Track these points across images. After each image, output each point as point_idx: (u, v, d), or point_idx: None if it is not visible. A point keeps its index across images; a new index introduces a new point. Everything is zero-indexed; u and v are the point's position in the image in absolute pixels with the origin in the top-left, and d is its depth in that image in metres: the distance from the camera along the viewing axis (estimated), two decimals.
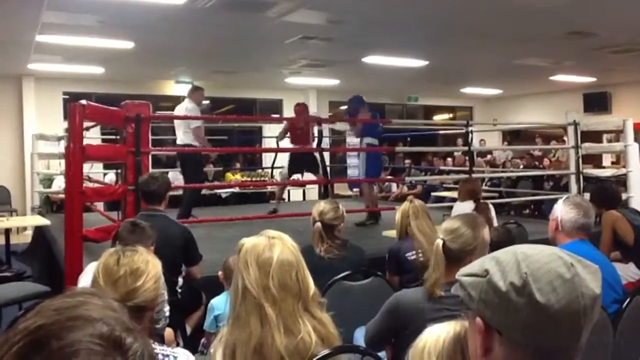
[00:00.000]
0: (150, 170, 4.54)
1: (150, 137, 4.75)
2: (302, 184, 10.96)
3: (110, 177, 8.68)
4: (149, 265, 1.77)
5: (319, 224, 3.21)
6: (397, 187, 11.23)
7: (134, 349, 0.65)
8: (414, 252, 3.26)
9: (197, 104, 6.58)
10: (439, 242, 2.18)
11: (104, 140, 8.37)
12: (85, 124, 4.75)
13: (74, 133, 4.09)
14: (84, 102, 4.17)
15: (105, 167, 8.89)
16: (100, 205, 6.97)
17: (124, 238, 2.75)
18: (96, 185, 6.29)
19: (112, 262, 1.76)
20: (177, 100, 12.79)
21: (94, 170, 7.89)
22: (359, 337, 2.62)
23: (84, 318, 0.64)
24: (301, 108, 7.65)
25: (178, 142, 6.55)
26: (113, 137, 7.40)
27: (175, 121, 6.72)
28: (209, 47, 8.62)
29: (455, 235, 2.19)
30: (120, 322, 0.67)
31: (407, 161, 12.67)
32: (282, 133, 7.70)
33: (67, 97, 10.65)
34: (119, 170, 6.39)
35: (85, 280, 2.73)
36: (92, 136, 6.98)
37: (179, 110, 6.67)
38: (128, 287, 1.70)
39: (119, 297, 1.63)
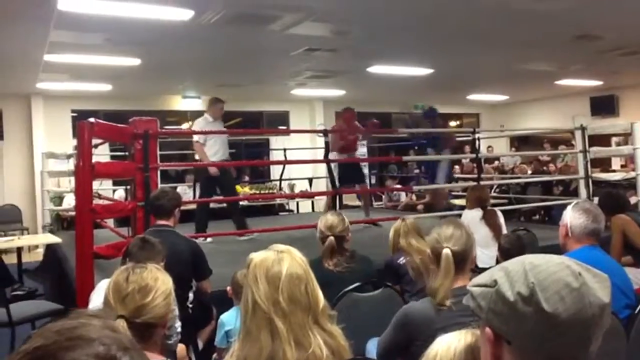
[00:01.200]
0: (160, 185, 4.56)
1: (159, 152, 4.77)
2: (311, 196, 10.99)
3: (120, 193, 8.73)
4: (158, 281, 1.78)
5: (332, 239, 3.21)
6: (406, 196, 11.22)
7: None
8: (404, 258, 3.42)
9: (214, 117, 6.51)
10: (448, 251, 2.18)
11: (112, 157, 8.44)
12: (94, 141, 4.79)
13: (83, 151, 4.13)
14: (92, 119, 4.21)
15: (115, 183, 8.95)
16: (110, 222, 7.01)
17: (134, 255, 2.76)
18: (106, 202, 6.33)
19: (121, 279, 1.77)
20: (185, 115, 12.95)
21: (103, 187, 7.95)
22: (371, 348, 2.62)
23: (81, 338, 0.67)
24: (351, 114, 7.32)
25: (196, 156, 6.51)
26: (122, 153, 7.45)
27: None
28: (214, 62, 8.68)
29: (455, 239, 2.22)
30: (117, 341, 0.69)
31: (416, 170, 12.66)
32: (333, 144, 7.30)
33: (75, 114, 10.75)
34: (128, 187, 6.43)
35: (96, 298, 2.75)
36: (101, 153, 7.04)
37: (196, 123, 6.64)
38: (136, 303, 1.71)
39: (128, 314, 1.64)
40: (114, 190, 9.04)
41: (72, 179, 5.35)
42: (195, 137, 6.32)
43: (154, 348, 1.71)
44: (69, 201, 8.79)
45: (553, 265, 0.92)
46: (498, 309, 0.93)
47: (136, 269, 1.81)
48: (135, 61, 8.05)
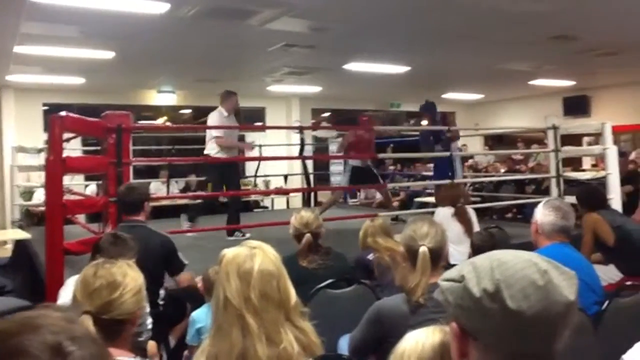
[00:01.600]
0: (132, 180, 4.51)
1: (132, 147, 4.72)
2: (286, 192, 10.97)
3: (92, 188, 8.62)
4: (127, 277, 1.75)
5: (309, 236, 3.21)
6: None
7: (76, 357, 0.68)
8: (373, 254, 3.48)
9: (228, 111, 6.36)
10: (425, 249, 2.19)
11: (85, 152, 8.31)
12: (66, 136, 4.71)
13: (54, 145, 4.06)
14: (63, 113, 4.14)
15: (87, 178, 8.82)
16: (81, 218, 6.91)
17: (105, 250, 2.72)
18: (77, 197, 6.23)
19: (89, 274, 1.74)
20: (159, 109, 12.82)
21: (75, 182, 7.82)
22: (344, 345, 2.62)
23: (30, 325, 0.69)
24: (369, 121, 7.65)
25: (205, 151, 6.41)
26: (94, 148, 7.34)
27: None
28: (190, 56, 8.60)
29: (431, 237, 2.24)
30: (67, 330, 0.70)
31: (391, 167, 12.72)
32: (342, 147, 7.52)
33: (47, 108, 10.56)
34: (100, 182, 6.34)
35: (65, 294, 2.71)
36: (73, 147, 6.92)
37: (210, 118, 6.49)
38: (103, 299, 1.68)
39: (95, 310, 1.62)
40: (86, 186, 8.91)
41: (43, 173, 5.26)
42: (215, 133, 6.17)
43: (123, 345, 1.68)
44: (39, 196, 8.64)
45: (520, 262, 0.93)
46: (464, 305, 0.94)
47: (105, 264, 1.78)
48: (109, 54, 7.93)
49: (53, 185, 4.05)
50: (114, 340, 1.64)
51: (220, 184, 6.34)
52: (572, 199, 5.88)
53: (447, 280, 0.99)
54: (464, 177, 8.52)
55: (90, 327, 1.55)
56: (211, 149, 6.23)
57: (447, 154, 7.05)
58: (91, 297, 1.68)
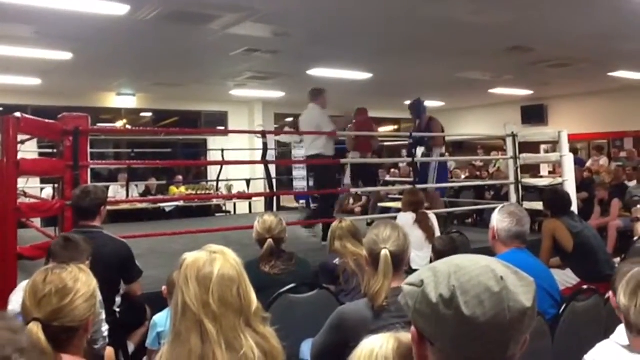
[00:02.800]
0: (89, 184, 4.39)
1: (90, 150, 4.59)
2: (248, 197, 10.89)
3: (48, 192, 8.37)
4: (78, 283, 1.68)
5: (271, 242, 3.16)
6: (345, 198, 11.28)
7: None
8: (339, 259, 3.44)
9: (323, 107, 6.19)
10: (386, 252, 2.19)
11: (41, 154, 8.08)
12: (21, 138, 4.57)
13: (7, 147, 3.92)
14: (18, 114, 4.01)
15: (43, 181, 8.58)
16: (37, 222, 6.71)
17: (57, 254, 2.64)
18: (32, 200, 6.05)
19: (39, 280, 1.67)
20: (118, 112, 12.59)
21: (30, 185, 7.59)
22: (306, 350, 2.60)
23: None
24: (364, 113, 7.50)
25: (307, 152, 6.31)
26: (51, 150, 7.15)
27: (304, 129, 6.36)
28: (151, 59, 8.48)
29: (393, 241, 2.24)
30: (13, 342, 0.68)
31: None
32: (349, 144, 7.37)
33: (1, 109, 10.25)
34: (57, 185, 6.17)
35: (16, 298, 2.62)
36: (29, 150, 6.72)
37: (306, 118, 6.27)
38: (53, 306, 1.61)
39: (44, 317, 1.56)
40: (42, 189, 8.66)
41: None
42: (328, 129, 6.03)
43: (76, 352, 1.62)
44: None
45: (477, 269, 0.93)
46: (422, 310, 0.94)
47: (55, 270, 1.71)
48: (66, 55, 7.75)
49: (6, 188, 3.91)
50: (66, 347, 1.58)
51: (333, 182, 6.36)
52: (530, 205, 6.03)
53: (409, 284, 0.99)
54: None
55: (39, 335, 1.50)
56: (323, 148, 6.06)
57: (432, 159, 7.08)
58: (40, 304, 1.61)
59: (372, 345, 1.22)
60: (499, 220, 2.91)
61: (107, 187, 8.57)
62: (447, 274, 0.93)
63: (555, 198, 4.55)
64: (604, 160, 11.54)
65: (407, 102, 7.87)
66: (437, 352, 0.94)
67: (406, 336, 1.25)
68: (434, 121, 7.37)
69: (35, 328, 1.53)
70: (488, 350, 0.90)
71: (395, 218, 4.87)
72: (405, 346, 1.21)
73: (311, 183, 6.86)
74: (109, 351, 2.65)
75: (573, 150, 11.25)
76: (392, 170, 12.11)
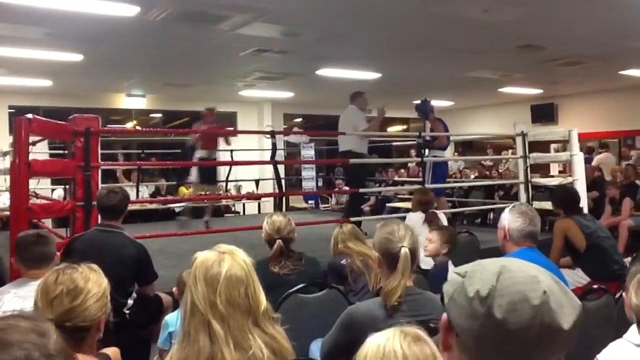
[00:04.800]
0: (100, 185, 4.42)
1: (101, 151, 4.62)
2: (257, 197, 10.91)
3: (59, 193, 8.44)
4: (89, 283, 1.70)
5: (280, 242, 3.16)
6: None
7: None
8: (346, 260, 3.47)
9: (361, 109, 6.58)
10: (406, 250, 2.19)
11: (52, 156, 8.13)
12: (33, 139, 4.60)
13: (19, 148, 3.96)
14: (30, 116, 4.05)
15: (54, 182, 8.64)
16: (49, 223, 6.76)
17: (25, 250, 2.71)
18: (44, 201, 6.09)
19: (50, 281, 1.68)
20: (129, 113, 12.65)
21: (41, 187, 7.65)
22: (315, 350, 2.61)
23: (2, 344, 0.65)
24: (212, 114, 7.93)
25: (340, 149, 6.63)
26: (62, 152, 7.20)
27: (341, 129, 6.68)
28: (161, 60, 8.51)
29: (409, 239, 2.24)
30: (40, 347, 0.67)
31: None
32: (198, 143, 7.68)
33: (13, 111, 10.33)
34: (68, 186, 6.22)
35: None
36: (40, 151, 6.77)
37: (344, 118, 6.65)
38: (65, 307, 1.63)
39: (56, 318, 1.56)
40: (53, 190, 8.73)
41: (8, 177, 5.13)
42: (361, 127, 6.44)
43: (89, 351, 1.64)
44: (5, 200, 8.42)
45: (523, 277, 0.92)
46: (458, 300, 0.94)
47: (67, 270, 1.72)
48: (77, 57, 7.80)
49: (18, 189, 3.96)
50: (79, 347, 1.60)
51: (365, 178, 6.61)
52: (540, 205, 6.00)
53: (456, 273, 0.99)
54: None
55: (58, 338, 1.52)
56: (354, 145, 6.38)
57: (442, 159, 7.08)
58: (52, 305, 1.62)
59: (378, 340, 1.22)
60: (512, 220, 2.90)
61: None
62: (492, 273, 0.92)
63: (565, 196, 4.53)
64: (604, 156, 11.40)
65: (417, 102, 7.83)
66: (461, 345, 0.94)
67: (412, 330, 1.25)
68: (437, 122, 7.35)
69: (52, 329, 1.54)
70: (506, 357, 0.90)
71: (404, 218, 4.86)
72: (412, 339, 1.21)
73: (310, 183, 6.95)
74: (115, 351, 2.67)
75: (589, 149, 11.22)
76: (401, 170, 12.10)
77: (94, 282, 1.71)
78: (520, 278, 0.91)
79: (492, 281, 0.91)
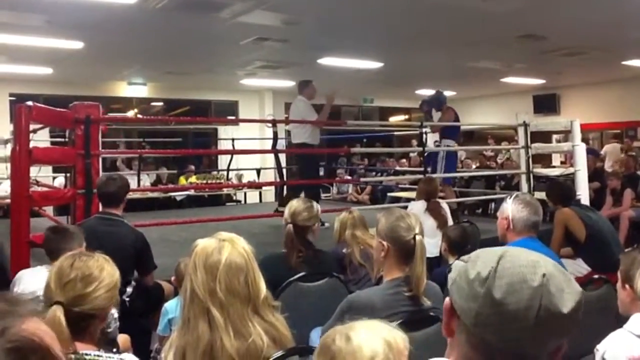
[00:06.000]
0: (101, 173, 4.42)
1: (101, 139, 4.61)
2: (258, 186, 10.91)
3: (60, 180, 8.43)
4: (103, 272, 1.70)
5: (290, 227, 2.96)
6: (353, 187, 11.31)
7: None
8: (347, 249, 3.44)
9: (309, 98, 6.46)
10: (421, 238, 2.19)
11: (52, 143, 8.12)
12: (33, 126, 4.59)
13: (19, 135, 3.95)
14: (30, 103, 4.03)
15: (55, 170, 8.64)
16: (50, 210, 6.77)
17: (47, 244, 2.80)
18: (44, 189, 6.09)
19: (66, 265, 1.69)
20: (130, 102, 12.62)
21: (42, 174, 7.64)
22: (315, 338, 2.61)
23: None
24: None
25: (294, 140, 6.54)
26: (62, 139, 7.19)
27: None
28: (162, 48, 8.48)
29: (419, 227, 2.24)
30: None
31: (358, 163, 12.81)
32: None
33: (13, 98, 10.31)
34: (69, 174, 6.22)
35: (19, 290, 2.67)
36: (40, 139, 6.76)
37: (292, 110, 6.59)
38: (77, 291, 1.63)
39: (66, 301, 1.58)
40: (54, 178, 8.72)
41: (8, 164, 5.14)
42: (310, 118, 6.34)
43: (89, 339, 1.64)
44: (5, 188, 8.41)
45: (525, 260, 0.92)
46: (459, 283, 0.96)
47: (83, 257, 1.73)
48: (78, 44, 7.77)
49: (19, 177, 3.95)
50: (81, 334, 1.60)
51: (315, 169, 6.50)
52: (541, 195, 5.99)
53: (461, 259, 1.01)
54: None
55: (61, 318, 1.53)
56: (308, 137, 6.32)
57: (444, 148, 7.04)
58: (65, 288, 1.63)
59: (367, 335, 1.18)
60: (516, 210, 2.88)
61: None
62: (494, 257, 0.94)
63: (555, 189, 4.58)
64: (612, 146, 11.38)
65: (418, 92, 7.79)
66: (461, 326, 0.96)
67: (396, 334, 1.20)
68: (449, 110, 7.31)
69: (58, 311, 1.55)
70: (504, 338, 0.90)
71: (405, 207, 4.86)
72: (393, 348, 1.16)
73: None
74: (124, 338, 2.68)
75: (584, 140, 11.21)
76: (402, 160, 12.09)
77: (107, 272, 1.72)
78: (521, 261, 0.92)
79: (492, 263, 0.93)
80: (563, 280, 0.92)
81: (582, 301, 0.92)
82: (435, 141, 7.40)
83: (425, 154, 7.15)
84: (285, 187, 6.98)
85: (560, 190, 4.56)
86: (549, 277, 0.90)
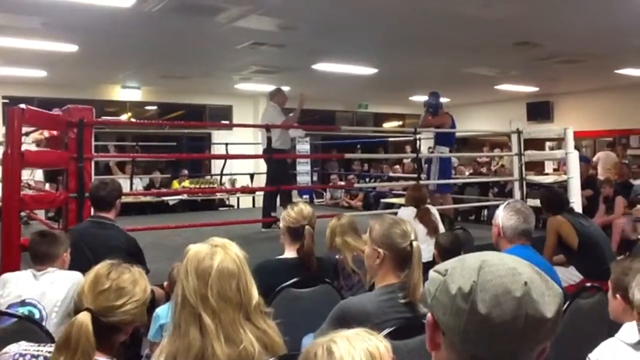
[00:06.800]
0: (93, 177, 4.40)
1: (94, 143, 4.59)
2: (252, 191, 10.89)
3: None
4: (136, 287, 1.69)
5: (309, 228, 2.98)
6: (345, 193, 11.33)
7: None
8: (339, 255, 3.42)
9: (280, 105, 6.70)
10: (417, 244, 2.19)
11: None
12: (26, 129, 4.58)
13: (12, 138, 3.94)
14: (23, 106, 4.02)
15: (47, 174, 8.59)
16: (42, 214, 6.73)
17: (33, 248, 2.78)
18: (36, 192, 6.06)
19: (103, 273, 1.67)
20: (124, 105, 12.58)
21: (35, 178, 7.61)
22: (307, 344, 2.60)
23: None
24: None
25: (264, 146, 6.68)
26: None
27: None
28: (157, 52, 8.47)
29: (414, 234, 2.23)
30: None
31: (355, 168, 12.80)
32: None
33: (6, 101, 10.26)
34: (61, 177, 6.19)
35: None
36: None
37: (264, 115, 6.86)
38: (108, 302, 1.62)
39: (96, 310, 1.56)
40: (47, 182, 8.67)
41: (0, 167, 5.12)
42: (280, 122, 6.58)
43: (108, 351, 1.62)
44: None
45: (504, 269, 0.91)
46: (440, 298, 0.94)
47: (119, 267, 1.72)
48: (72, 47, 7.75)
49: (10, 180, 3.93)
50: (102, 344, 1.58)
51: (285, 174, 6.72)
52: (534, 202, 6.00)
53: (435, 271, 0.99)
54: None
55: (89, 325, 1.52)
56: (277, 142, 6.49)
57: (446, 155, 7.05)
58: (98, 297, 1.61)
59: (349, 344, 1.17)
60: (506, 217, 2.90)
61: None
62: (472, 268, 0.92)
63: (549, 197, 4.59)
64: (604, 153, 11.42)
65: (412, 98, 7.79)
66: (447, 342, 0.94)
67: (379, 343, 1.18)
68: (446, 116, 7.33)
69: (87, 318, 1.53)
70: (495, 352, 0.90)
71: (396, 214, 4.86)
72: (375, 358, 1.14)
73: (305, 177, 7.03)
74: None
75: (576, 147, 11.25)
76: (395, 166, 12.10)
77: (140, 287, 1.71)
78: (500, 271, 0.91)
79: (473, 276, 0.91)
80: (542, 283, 0.92)
81: (562, 300, 0.92)
82: (429, 147, 7.41)
83: (420, 160, 7.16)
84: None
85: (553, 197, 4.58)
86: (530, 284, 0.90)
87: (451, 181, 8.05)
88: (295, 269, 2.94)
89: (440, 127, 7.16)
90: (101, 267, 1.71)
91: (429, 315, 0.98)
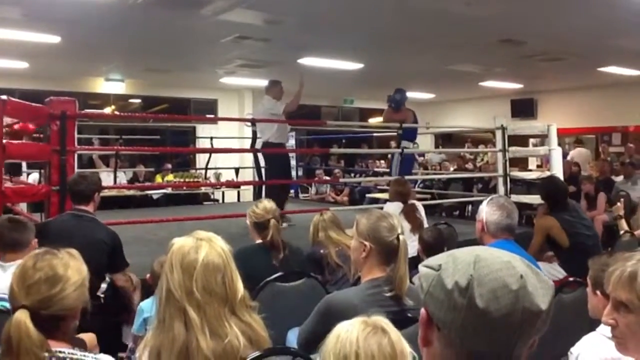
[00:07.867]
0: (76, 169, 4.35)
1: (77, 136, 4.54)
2: (237, 185, 10.86)
3: (34, 177, 8.30)
4: (69, 270, 1.61)
5: (275, 221, 3.21)
6: (331, 188, 11.34)
7: None
8: (323, 250, 3.49)
9: (276, 98, 6.44)
10: (404, 238, 2.21)
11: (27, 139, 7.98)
12: (7, 121, 4.51)
13: None
14: (4, 97, 3.95)
15: (29, 166, 8.50)
16: (23, 207, 6.65)
17: (2, 236, 2.75)
18: (18, 185, 5.99)
19: (29, 265, 1.59)
20: (107, 98, 12.46)
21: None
22: (292, 338, 2.60)
23: None
24: None
25: (261, 139, 6.56)
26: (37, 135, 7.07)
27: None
28: (141, 45, 8.38)
29: (400, 228, 2.24)
30: None
31: (331, 164, 12.85)
32: None
33: None
34: (43, 170, 6.12)
35: None
36: None
37: (260, 108, 6.61)
38: (42, 294, 1.54)
39: (32, 305, 1.50)
40: (28, 174, 8.58)
41: None
42: (275, 116, 6.31)
43: (63, 338, 1.58)
44: None
45: (498, 263, 0.92)
46: (435, 294, 0.93)
47: (46, 255, 1.63)
48: (55, 39, 7.64)
49: None
50: (53, 334, 1.53)
51: (283, 168, 6.57)
52: (518, 198, 6.05)
53: (426, 266, 0.98)
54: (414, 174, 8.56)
55: (27, 324, 1.46)
56: (272, 136, 6.33)
57: (412, 150, 7.07)
58: (29, 292, 1.54)
59: (339, 330, 1.21)
60: (489, 212, 2.92)
61: (97, 173, 8.51)
62: (466, 263, 0.92)
63: (554, 190, 4.46)
64: (577, 151, 11.52)
65: (395, 93, 7.77)
66: (443, 338, 0.94)
67: (375, 320, 1.24)
68: (409, 112, 7.38)
69: (24, 316, 1.47)
70: (493, 346, 0.90)
71: (382, 209, 4.86)
72: (371, 330, 1.20)
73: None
74: (91, 337, 2.63)
75: (559, 144, 11.35)
76: (380, 161, 12.13)
77: (73, 269, 1.63)
78: (495, 265, 0.91)
79: (469, 271, 0.91)
80: (535, 276, 0.93)
81: (554, 292, 0.94)
82: (392, 142, 7.46)
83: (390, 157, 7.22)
84: (264, 187, 6.97)
85: (554, 190, 4.45)
86: (525, 277, 0.90)
87: (435, 177, 8.10)
88: (270, 252, 3.18)
89: (403, 123, 7.19)
90: (26, 260, 1.63)
91: (422, 311, 0.97)
